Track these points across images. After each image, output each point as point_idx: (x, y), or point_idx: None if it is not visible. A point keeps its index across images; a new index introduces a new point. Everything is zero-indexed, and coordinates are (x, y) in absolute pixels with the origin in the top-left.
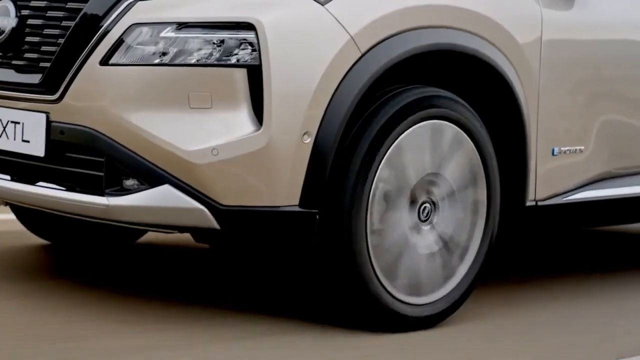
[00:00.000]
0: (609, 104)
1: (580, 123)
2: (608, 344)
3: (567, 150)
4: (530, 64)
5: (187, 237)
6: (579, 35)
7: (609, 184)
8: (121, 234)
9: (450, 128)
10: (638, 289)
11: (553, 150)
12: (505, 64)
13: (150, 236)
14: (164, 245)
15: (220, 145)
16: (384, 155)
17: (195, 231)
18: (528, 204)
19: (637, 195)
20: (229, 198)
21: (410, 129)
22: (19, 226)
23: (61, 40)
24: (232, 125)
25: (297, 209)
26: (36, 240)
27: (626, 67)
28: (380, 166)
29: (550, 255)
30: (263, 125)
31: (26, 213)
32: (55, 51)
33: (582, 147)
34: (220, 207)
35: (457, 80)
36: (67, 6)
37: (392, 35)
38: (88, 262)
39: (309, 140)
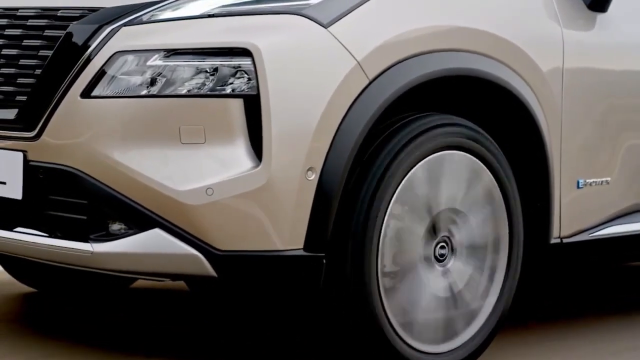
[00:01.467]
0: (636, 133)
1: (606, 153)
2: None
3: (593, 182)
4: (552, 90)
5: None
6: (602, 59)
7: (636, 217)
8: (114, 279)
9: (468, 159)
10: None
11: (578, 183)
12: (526, 90)
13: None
14: (161, 289)
15: (216, 184)
16: (395, 191)
17: (190, 279)
18: (552, 241)
19: None
20: (226, 242)
21: (424, 160)
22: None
23: (38, 72)
24: (228, 161)
25: (302, 252)
26: (21, 287)
27: None
28: (391, 203)
29: (568, 295)
30: (262, 161)
31: (8, 258)
32: (32, 83)
33: (609, 179)
34: (217, 252)
35: (475, 109)
36: (44, 34)
37: (403, 60)
38: (77, 310)
39: (313, 177)
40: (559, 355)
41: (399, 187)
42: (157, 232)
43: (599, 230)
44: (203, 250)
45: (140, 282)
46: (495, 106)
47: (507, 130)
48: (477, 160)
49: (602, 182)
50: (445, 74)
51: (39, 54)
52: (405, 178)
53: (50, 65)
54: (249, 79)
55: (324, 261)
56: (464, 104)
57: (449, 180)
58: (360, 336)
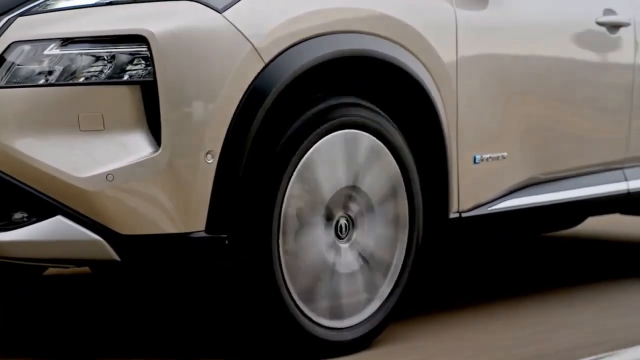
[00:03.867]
0: (531, 107)
1: (502, 129)
2: None
3: (489, 157)
4: (447, 68)
5: None
6: (495, 36)
7: (534, 190)
8: (24, 269)
9: (366, 138)
10: (561, 300)
11: (475, 158)
12: (421, 70)
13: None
14: (76, 275)
15: (116, 170)
16: (294, 170)
17: (94, 264)
18: (452, 215)
19: (564, 201)
20: (128, 227)
21: (322, 140)
22: None
23: None
24: (128, 147)
25: (204, 234)
26: None
27: (544, 68)
28: (290, 182)
29: (471, 269)
30: (161, 146)
31: None
32: None
33: (505, 154)
34: (120, 237)
35: (373, 90)
36: None
37: (299, 42)
38: None
39: (212, 160)
40: (469, 329)
41: (298, 167)
42: (59, 219)
43: (497, 204)
44: (105, 236)
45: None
46: (393, 87)
47: (405, 110)
48: (376, 139)
49: (498, 157)
50: (340, 55)
51: None
52: (304, 157)
53: None
54: (146, 65)
55: (226, 242)
56: (363, 86)
57: (348, 159)
58: (266, 315)
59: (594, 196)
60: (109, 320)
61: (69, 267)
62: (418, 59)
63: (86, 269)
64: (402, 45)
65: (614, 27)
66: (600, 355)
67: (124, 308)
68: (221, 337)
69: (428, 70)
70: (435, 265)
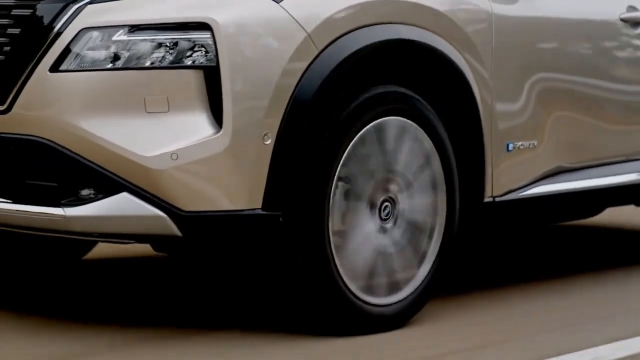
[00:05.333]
0: (560, 98)
1: (533, 117)
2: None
3: (521, 145)
4: (483, 58)
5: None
6: (527, 29)
7: (562, 178)
8: (67, 250)
9: (409, 125)
10: (589, 287)
11: (508, 146)
12: (460, 60)
13: (100, 251)
14: (112, 259)
15: (179, 150)
16: (344, 154)
17: (156, 240)
18: (486, 200)
19: (590, 188)
20: (190, 204)
21: (370, 126)
22: None
23: (7, 49)
24: (191, 128)
25: (261, 212)
26: None
27: (571, 61)
28: (339, 165)
29: (505, 256)
30: (222, 127)
31: None
32: (2, 60)
33: (535, 142)
34: (182, 213)
35: (415, 79)
36: (12, 13)
37: (349, 32)
38: (31, 283)
39: (269, 142)
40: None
41: (346, 151)
42: (124, 195)
43: (527, 190)
44: (168, 212)
45: (93, 253)
46: (435, 77)
47: (444, 98)
48: (418, 126)
49: (529, 145)
50: (385, 44)
51: (7, 32)
52: (352, 143)
53: (19, 42)
54: (208, 52)
55: (281, 219)
56: (407, 76)
57: (391, 145)
58: (315, 291)
59: (616, 185)
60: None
61: (130, 243)
62: (457, 49)
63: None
64: (442, 36)
65: (637, 23)
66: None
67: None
68: (268, 310)
69: (466, 60)
70: (470, 250)
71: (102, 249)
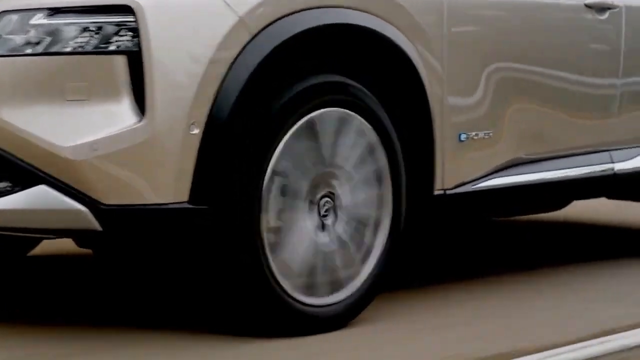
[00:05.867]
0: (519, 88)
1: (489, 107)
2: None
3: (476, 135)
4: (434, 46)
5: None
6: (482, 16)
7: (520, 170)
8: (10, 247)
9: (352, 117)
10: (543, 282)
11: (460, 136)
12: (410, 48)
13: (46, 247)
14: (61, 256)
15: (100, 140)
16: (279, 147)
17: (77, 235)
18: (436, 193)
19: (549, 181)
20: (111, 197)
21: (306, 117)
22: None
23: None
24: (113, 117)
25: (187, 205)
26: None
27: (531, 48)
28: (274, 158)
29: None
30: (146, 116)
31: None
32: None
33: (491, 132)
34: (102, 207)
35: (360, 68)
36: None
37: (287, 15)
38: None
39: (196, 131)
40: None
41: (282, 144)
42: (43, 188)
43: (482, 182)
44: (88, 205)
45: (40, 249)
46: (381, 64)
47: (392, 88)
48: (361, 118)
49: (483, 135)
50: (324, 28)
51: None
52: (288, 135)
53: None
54: (132, 36)
55: (208, 214)
56: (350, 64)
57: (332, 138)
58: (245, 290)
59: (578, 177)
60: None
61: (51, 238)
62: (407, 37)
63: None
64: (391, 23)
65: (603, 9)
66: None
67: (100, 283)
68: (200, 312)
69: (417, 49)
70: (419, 244)
71: (54, 245)
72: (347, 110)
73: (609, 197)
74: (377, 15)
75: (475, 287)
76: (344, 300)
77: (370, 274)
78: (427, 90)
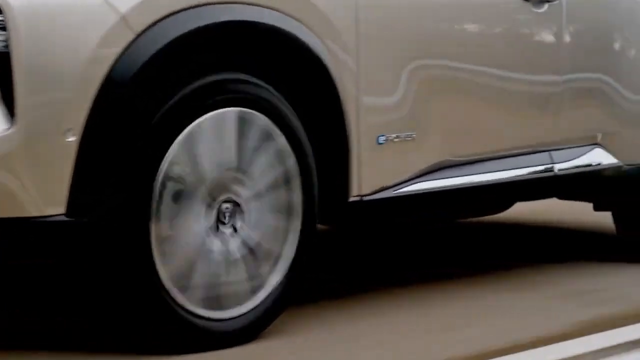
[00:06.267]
0: (443, 85)
1: (411, 107)
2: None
3: (396, 137)
4: (347, 44)
5: None
6: (400, 11)
7: (447, 173)
8: None
9: (256, 117)
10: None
11: (378, 139)
12: (318, 45)
13: None
14: None
15: None
16: (170, 151)
17: None
18: (352, 199)
19: (482, 184)
20: None
21: (204, 117)
22: None
23: None
24: None
25: (64, 218)
26: None
27: (458, 43)
28: (165, 163)
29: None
30: (16, 122)
31: None
32: None
33: (414, 134)
34: None
35: (265, 67)
36: None
37: (178, 11)
38: None
39: (73, 138)
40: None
41: (174, 148)
42: None
43: (405, 187)
44: None
45: None
46: (288, 63)
47: (301, 88)
48: (267, 119)
49: (406, 137)
50: (224, 25)
51: None
52: (180, 138)
53: None
54: (1, 37)
55: (87, 227)
56: (254, 63)
57: (232, 139)
58: (138, 305)
59: (515, 179)
60: None
61: None
62: (315, 33)
63: None
64: (297, 19)
65: (541, 1)
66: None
67: None
68: (98, 327)
69: (327, 46)
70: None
71: None
72: (250, 110)
73: (558, 197)
74: (279, 10)
75: (401, 293)
76: (250, 312)
77: (280, 283)
78: (339, 88)
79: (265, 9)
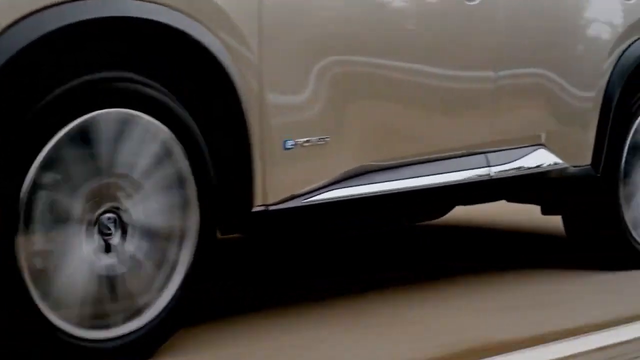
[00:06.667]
0: (363, 85)
1: (323, 108)
2: None
3: (306, 142)
4: (248, 40)
5: None
6: (311, 3)
7: (368, 179)
8: None
9: (138, 117)
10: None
11: (285, 143)
12: (211, 40)
13: None
14: None
15: None
16: (41, 157)
17: None
18: (255, 209)
19: (405, 190)
20: None
21: (77, 121)
22: None
23: None
24: None
25: None
26: None
27: (377, 38)
28: (34, 169)
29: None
30: None
31: None
32: None
33: (328, 137)
34: None
35: (153, 65)
36: None
37: (46, 7)
38: None
39: None
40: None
41: (46, 153)
42: None
43: (318, 195)
44: None
45: None
46: (178, 60)
47: (195, 87)
48: (156, 121)
49: (318, 141)
50: (99, 21)
51: None
52: (52, 143)
53: None
54: None
55: None
56: (146, 63)
57: (113, 143)
58: (11, 327)
59: (445, 183)
60: None
61: None
62: (207, 27)
63: None
64: (186, 13)
65: None
66: None
67: None
68: None
69: (222, 42)
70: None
71: None
72: (135, 111)
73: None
74: (167, 5)
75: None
76: (141, 329)
77: (174, 296)
78: (238, 85)
79: (154, 4)
